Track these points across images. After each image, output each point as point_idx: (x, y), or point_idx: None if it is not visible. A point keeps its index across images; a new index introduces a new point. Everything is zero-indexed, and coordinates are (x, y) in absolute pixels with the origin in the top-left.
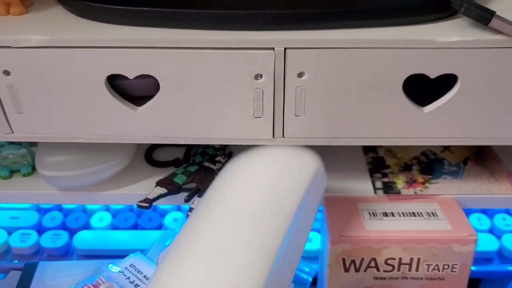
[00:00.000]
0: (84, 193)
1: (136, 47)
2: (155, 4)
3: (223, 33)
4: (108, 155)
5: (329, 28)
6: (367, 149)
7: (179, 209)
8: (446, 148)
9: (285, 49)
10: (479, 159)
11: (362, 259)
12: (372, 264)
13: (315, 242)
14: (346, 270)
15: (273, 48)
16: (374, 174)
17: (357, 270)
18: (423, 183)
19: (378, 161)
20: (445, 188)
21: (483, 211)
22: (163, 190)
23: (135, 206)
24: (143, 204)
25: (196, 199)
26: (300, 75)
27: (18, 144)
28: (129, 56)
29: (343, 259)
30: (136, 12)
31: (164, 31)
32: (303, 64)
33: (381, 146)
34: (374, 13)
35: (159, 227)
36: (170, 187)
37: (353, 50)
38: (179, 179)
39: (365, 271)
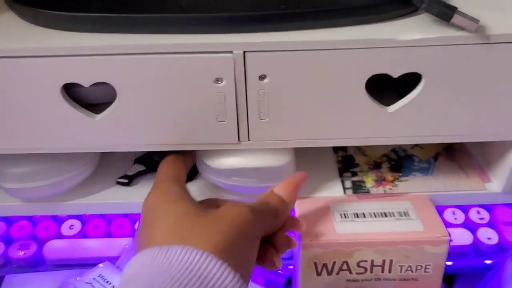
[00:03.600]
0: (51, 204)
1: (90, 54)
2: (108, 9)
3: (180, 37)
4: (72, 164)
5: (288, 30)
6: (336, 148)
7: None
8: (416, 144)
9: (244, 52)
10: (450, 154)
11: (334, 263)
12: (344, 267)
13: None
14: (318, 273)
15: (232, 51)
16: (343, 173)
17: (329, 273)
18: (392, 181)
19: (347, 160)
20: (414, 186)
21: (458, 206)
22: (141, 167)
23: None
24: (123, 180)
25: None
26: (262, 78)
27: None
28: (84, 64)
29: (315, 263)
30: (89, 18)
31: (119, 37)
32: (263, 67)
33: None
34: (333, 13)
35: (131, 234)
36: (149, 163)
37: (313, 52)
38: (157, 156)
39: (337, 274)
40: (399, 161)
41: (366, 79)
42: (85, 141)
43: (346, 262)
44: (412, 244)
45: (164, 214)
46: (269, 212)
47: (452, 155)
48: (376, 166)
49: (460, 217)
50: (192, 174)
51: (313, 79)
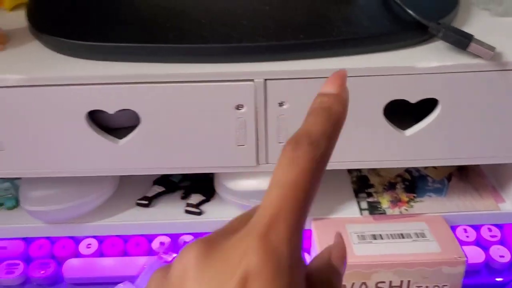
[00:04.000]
0: (72, 225)
1: (115, 83)
2: (132, 39)
3: (202, 66)
4: (92, 188)
5: (307, 58)
6: (350, 169)
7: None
8: None
9: (265, 80)
10: (463, 174)
11: (353, 284)
12: None
13: None
14: None
15: (253, 79)
16: (359, 194)
17: None
18: (407, 202)
19: (362, 180)
20: (430, 207)
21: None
22: (160, 188)
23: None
24: (142, 202)
25: (192, 196)
26: (281, 104)
27: (1, 178)
28: (108, 92)
29: None
30: (113, 48)
31: (143, 66)
32: (283, 94)
33: None
34: (350, 42)
35: (147, 252)
36: (168, 185)
37: None
38: (175, 178)
39: None
40: (413, 181)
41: (385, 104)
42: (107, 165)
43: (365, 284)
44: (430, 265)
45: None
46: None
47: (465, 176)
48: (391, 186)
49: (472, 235)
50: (210, 193)
51: None
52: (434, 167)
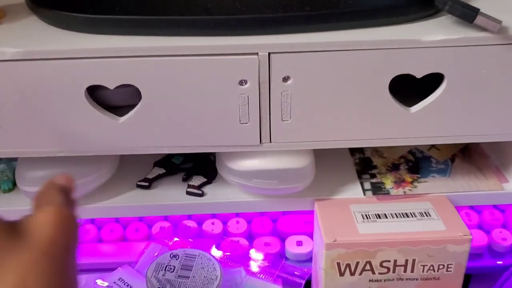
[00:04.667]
0: None
1: (116, 56)
2: (134, 11)
3: (205, 39)
4: (91, 167)
5: (312, 31)
6: (353, 150)
7: (166, 218)
8: (433, 145)
9: (269, 53)
10: (466, 155)
11: (357, 263)
12: (367, 267)
13: (306, 245)
14: (341, 274)
15: (257, 53)
16: (362, 175)
17: (352, 273)
18: (411, 182)
19: (365, 162)
20: (434, 187)
21: (471, 207)
22: (161, 170)
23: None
24: (143, 183)
25: (194, 177)
26: (285, 79)
27: None
28: (109, 66)
29: (338, 264)
30: (114, 20)
31: (144, 39)
32: (288, 68)
33: (367, 147)
34: (357, 15)
35: (147, 237)
36: (169, 167)
37: (337, 53)
38: (176, 160)
39: (360, 274)
40: (416, 162)
41: (390, 79)
42: (107, 143)
43: (369, 262)
44: (435, 243)
45: None
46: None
47: (468, 156)
48: (394, 167)
49: (474, 218)
50: (212, 175)
51: (337, 80)
52: (438, 148)
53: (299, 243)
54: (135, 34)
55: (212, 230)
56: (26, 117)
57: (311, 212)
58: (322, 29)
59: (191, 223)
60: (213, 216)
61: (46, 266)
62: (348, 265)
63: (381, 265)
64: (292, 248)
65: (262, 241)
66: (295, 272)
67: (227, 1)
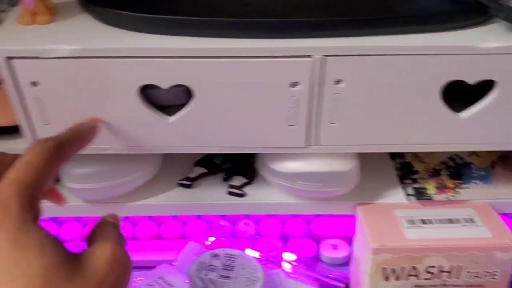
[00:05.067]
0: (108, 205)
1: (171, 56)
2: (189, 12)
3: (259, 42)
4: (136, 166)
5: (367, 35)
6: (394, 154)
7: (199, 218)
8: (473, 152)
9: (323, 56)
10: (506, 163)
11: (403, 268)
12: (413, 272)
13: (341, 249)
14: (386, 279)
15: (310, 55)
16: (403, 180)
17: (397, 279)
18: (453, 188)
19: (406, 167)
20: (476, 193)
21: (505, 214)
22: (202, 170)
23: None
24: (185, 182)
25: (234, 177)
26: (337, 82)
27: None
28: (163, 66)
29: (384, 269)
30: (170, 20)
31: (199, 40)
32: (341, 71)
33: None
34: (411, 20)
35: (181, 236)
36: (210, 166)
37: (391, 57)
38: (217, 160)
39: (405, 279)
40: (457, 168)
41: (442, 85)
42: (155, 142)
43: (415, 268)
44: (482, 250)
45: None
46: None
47: (508, 164)
48: (435, 173)
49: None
50: (252, 176)
51: (389, 84)
52: (477, 155)
53: (335, 247)
54: (189, 35)
55: (246, 230)
56: (77, 114)
57: (345, 216)
58: (376, 33)
59: (224, 223)
60: (246, 216)
61: None
62: (393, 270)
63: (426, 271)
64: (327, 251)
65: (296, 243)
66: (333, 276)
67: (281, 4)
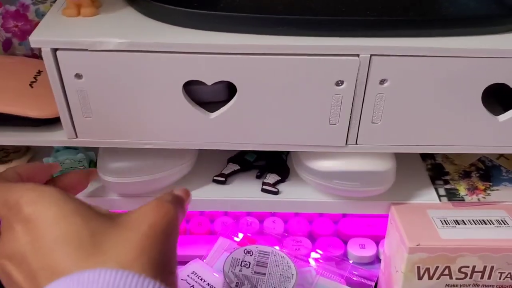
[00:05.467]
0: (144, 200)
1: (217, 53)
2: (235, 9)
3: (307, 39)
4: (172, 161)
5: (412, 36)
6: (424, 155)
7: (226, 214)
8: (501, 155)
9: (370, 56)
10: None
11: (437, 267)
12: (446, 272)
13: (368, 248)
14: (420, 278)
15: (358, 54)
16: (435, 181)
17: (430, 278)
18: (484, 190)
19: (437, 168)
20: (507, 195)
21: None
22: (236, 166)
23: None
24: (219, 178)
25: (268, 175)
26: (382, 82)
27: (75, 149)
28: (208, 62)
29: (418, 268)
30: (217, 16)
31: (247, 37)
32: (386, 71)
33: (438, 153)
34: (458, 22)
35: (209, 232)
36: (243, 163)
37: (436, 59)
38: (250, 157)
39: (438, 279)
40: (487, 170)
41: (484, 88)
42: (194, 138)
43: (448, 267)
44: None
45: (59, 225)
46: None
47: None
48: (466, 174)
49: None
50: (285, 173)
51: (432, 85)
52: (506, 158)
53: (362, 246)
54: (236, 31)
55: (274, 228)
56: (119, 107)
57: (373, 216)
58: (422, 34)
59: (252, 220)
60: (273, 214)
61: (147, 245)
62: (427, 269)
63: (459, 271)
64: (355, 250)
65: (324, 242)
66: (362, 274)
67: (331, 2)
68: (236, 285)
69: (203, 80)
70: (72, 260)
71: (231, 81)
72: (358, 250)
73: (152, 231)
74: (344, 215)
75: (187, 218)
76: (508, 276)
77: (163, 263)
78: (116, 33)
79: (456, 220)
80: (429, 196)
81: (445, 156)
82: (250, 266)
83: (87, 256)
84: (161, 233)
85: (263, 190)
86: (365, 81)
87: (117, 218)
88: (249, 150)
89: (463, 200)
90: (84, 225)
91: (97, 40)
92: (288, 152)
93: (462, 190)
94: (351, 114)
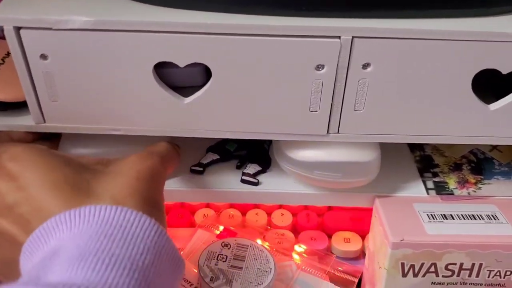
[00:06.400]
0: None
1: (190, 32)
2: None
3: (285, 19)
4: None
5: (398, 17)
6: (413, 147)
7: (208, 206)
8: (494, 147)
9: (352, 37)
10: None
11: (422, 264)
12: (432, 269)
13: (354, 242)
14: (404, 275)
15: (339, 36)
16: (423, 173)
17: (415, 275)
18: (475, 184)
19: (426, 160)
20: (498, 189)
21: None
22: (215, 156)
23: None
24: (197, 168)
25: (248, 165)
26: (365, 66)
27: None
28: (181, 42)
29: (402, 264)
30: None
31: (221, 16)
32: (369, 54)
33: (427, 144)
34: (448, 3)
35: (190, 224)
36: (222, 152)
37: (423, 41)
38: (230, 146)
39: (423, 276)
40: (479, 163)
41: (475, 73)
42: (169, 124)
43: (435, 264)
44: (505, 248)
45: (48, 175)
46: (170, 150)
47: None
48: (457, 167)
49: None
50: (266, 164)
51: (418, 70)
52: (500, 150)
53: (347, 240)
54: (209, 9)
55: (256, 220)
56: (87, 91)
57: (358, 209)
58: (408, 15)
59: (235, 212)
60: (256, 206)
61: (138, 185)
62: (412, 266)
63: (446, 268)
64: (339, 245)
65: (308, 236)
66: (346, 270)
67: None
68: (210, 280)
69: (175, 62)
70: (66, 202)
71: (204, 63)
72: (343, 244)
73: (141, 175)
74: (330, 208)
75: (167, 210)
76: (497, 274)
77: (154, 201)
78: (83, 11)
79: (444, 215)
80: (416, 189)
81: (435, 147)
82: (227, 260)
83: (82, 198)
84: (149, 176)
85: (243, 181)
86: (347, 65)
87: (106, 168)
88: (230, 139)
89: (452, 193)
90: (75, 174)
91: (62, 19)
92: (270, 142)
93: (452, 183)
94: (332, 101)
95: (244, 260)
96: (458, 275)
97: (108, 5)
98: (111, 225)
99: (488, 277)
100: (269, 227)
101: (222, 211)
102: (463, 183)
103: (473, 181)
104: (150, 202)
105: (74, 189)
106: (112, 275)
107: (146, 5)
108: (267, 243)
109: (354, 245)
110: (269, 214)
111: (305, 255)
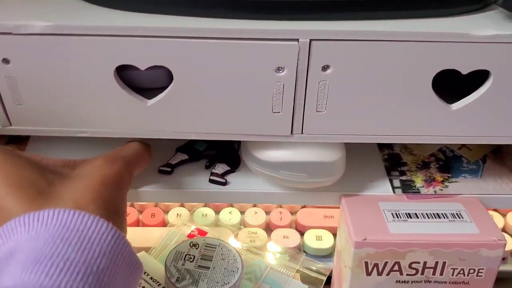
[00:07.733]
0: None
1: (150, 36)
2: None
3: (243, 22)
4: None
5: (356, 19)
6: (382, 145)
7: (182, 205)
8: (463, 145)
9: (310, 40)
10: (498, 157)
11: (386, 263)
12: (396, 268)
13: (325, 240)
14: (368, 273)
15: (298, 39)
16: (391, 172)
17: (379, 274)
18: (442, 182)
19: (394, 158)
20: (465, 188)
21: (496, 209)
22: (184, 156)
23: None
24: (165, 168)
25: (217, 165)
26: (325, 68)
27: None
28: (141, 45)
29: (366, 263)
30: None
31: (180, 19)
32: (328, 57)
33: (398, 143)
34: (405, 4)
35: (163, 224)
36: (192, 153)
37: (382, 43)
38: (199, 146)
39: (387, 275)
40: (447, 161)
41: (434, 74)
42: (133, 126)
43: (398, 263)
44: (468, 247)
45: (12, 176)
46: (139, 152)
47: (500, 158)
48: (424, 165)
49: (499, 221)
50: (235, 164)
51: (379, 71)
52: (469, 148)
53: (319, 238)
54: (170, 13)
55: (230, 219)
56: (50, 94)
57: (331, 207)
58: (366, 17)
59: (208, 211)
60: (230, 205)
61: (101, 190)
62: (376, 265)
63: (410, 266)
64: (311, 242)
65: (281, 234)
66: (316, 268)
67: None
68: (176, 280)
69: (135, 65)
70: (27, 203)
71: (165, 65)
72: (314, 242)
73: (106, 180)
74: (303, 206)
75: (140, 209)
76: (461, 272)
77: (116, 207)
78: (43, 16)
79: (409, 214)
80: (382, 188)
81: (404, 146)
82: (194, 260)
83: (43, 200)
84: (113, 183)
85: (211, 181)
86: (307, 67)
87: (72, 171)
88: (199, 139)
89: (418, 192)
90: (39, 176)
91: (22, 23)
92: (240, 142)
93: (419, 181)
94: (294, 102)
95: (211, 260)
96: (422, 273)
97: (68, 9)
98: (68, 228)
99: (452, 275)
100: (241, 226)
101: (195, 210)
102: (430, 181)
103: (440, 179)
104: (112, 208)
105: (36, 191)
106: (66, 279)
107: (106, 9)
108: (240, 242)
109: (326, 242)
110: (242, 212)
111: (276, 254)
